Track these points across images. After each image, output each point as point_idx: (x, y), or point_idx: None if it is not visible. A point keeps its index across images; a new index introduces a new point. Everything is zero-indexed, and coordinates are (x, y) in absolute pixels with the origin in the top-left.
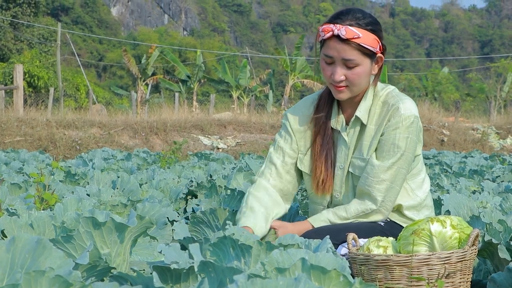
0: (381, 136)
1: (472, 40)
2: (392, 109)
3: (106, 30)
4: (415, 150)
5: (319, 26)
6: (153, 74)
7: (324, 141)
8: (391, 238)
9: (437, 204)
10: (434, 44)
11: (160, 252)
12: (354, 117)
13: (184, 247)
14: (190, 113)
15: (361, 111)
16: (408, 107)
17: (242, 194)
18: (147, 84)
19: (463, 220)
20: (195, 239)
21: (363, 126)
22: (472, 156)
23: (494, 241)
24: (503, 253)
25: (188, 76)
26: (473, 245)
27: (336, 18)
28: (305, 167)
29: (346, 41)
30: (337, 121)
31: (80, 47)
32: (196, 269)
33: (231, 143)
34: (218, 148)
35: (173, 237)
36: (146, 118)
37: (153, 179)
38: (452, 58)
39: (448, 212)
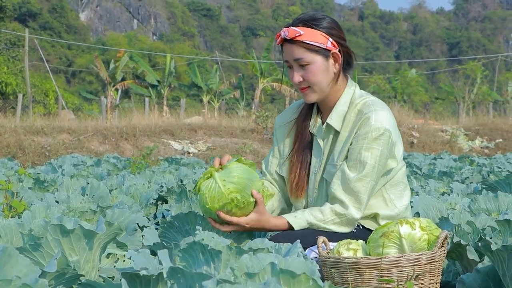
0: (350, 144)
1: (440, 43)
2: (363, 118)
3: (75, 36)
4: (385, 163)
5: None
6: (123, 79)
7: (301, 145)
8: (361, 241)
9: None
10: (403, 47)
11: (129, 258)
12: (325, 123)
13: (154, 253)
14: (160, 118)
15: (332, 118)
16: (380, 118)
17: None
18: (117, 90)
19: (432, 222)
20: (165, 244)
21: (336, 133)
22: (441, 158)
23: (462, 242)
24: (471, 254)
25: (158, 81)
26: (442, 246)
27: (288, 24)
28: (283, 171)
29: (290, 41)
30: (315, 125)
31: (48, 53)
32: (165, 275)
33: (202, 148)
34: (189, 153)
35: (143, 243)
36: (116, 123)
37: (123, 184)
38: (421, 61)
39: (417, 214)
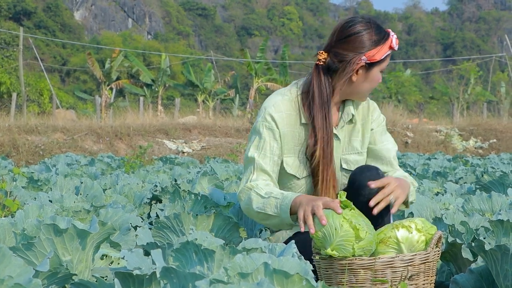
0: (371, 130)
1: (435, 43)
2: (371, 105)
3: (70, 34)
4: None
5: (386, 44)
6: (118, 78)
7: (327, 143)
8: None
9: None
10: (398, 47)
11: (123, 258)
12: (349, 115)
13: (147, 253)
14: (155, 117)
15: (353, 111)
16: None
17: (205, 198)
18: (111, 89)
19: (426, 221)
20: (159, 244)
21: (353, 124)
22: (435, 158)
23: (458, 241)
24: (466, 253)
25: (153, 80)
26: (436, 246)
27: (383, 30)
28: (294, 170)
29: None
30: (335, 121)
31: (43, 52)
32: (158, 275)
33: (196, 147)
34: (183, 152)
35: (136, 242)
36: (111, 122)
37: (117, 184)
38: (416, 61)
39: (411, 214)
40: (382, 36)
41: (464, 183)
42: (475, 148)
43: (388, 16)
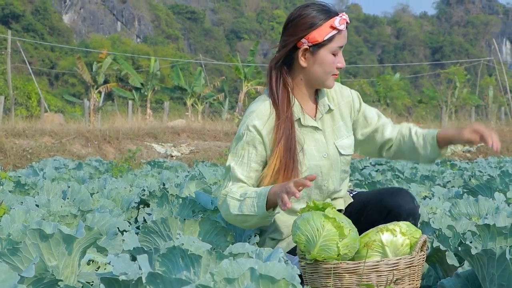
0: (358, 112)
1: (424, 47)
2: (340, 89)
3: (58, 38)
4: None
5: (327, 23)
6: (106, 82)
7: (290, 142)
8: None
9: None
10: (387, 51)
11: (109, 263)
12: (325, 106)
13: (135, 258)
14: (143, 121)
15: (326, 101)
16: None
17: (193, 202)
18: (100, 92)
19: (411, 224)
20: (145, 249)
21: (330, 111)
22: None
23: (442, 247)
24: (451, 260)
25: (142, 84)
26: (421, 250)
27: (331, 11)
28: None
29: (347, 26)
30: (304, 117)
31: (31, 55)
32: (144, 281)
33: (185, 151)
34: (172, 156)
35: (123, 247)
36: (99, 126)
37: (105, 188)
38: (404, 65)
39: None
40: (323, 17)
41: (452, 187)
42: (463, 151)
43: (377, 20)
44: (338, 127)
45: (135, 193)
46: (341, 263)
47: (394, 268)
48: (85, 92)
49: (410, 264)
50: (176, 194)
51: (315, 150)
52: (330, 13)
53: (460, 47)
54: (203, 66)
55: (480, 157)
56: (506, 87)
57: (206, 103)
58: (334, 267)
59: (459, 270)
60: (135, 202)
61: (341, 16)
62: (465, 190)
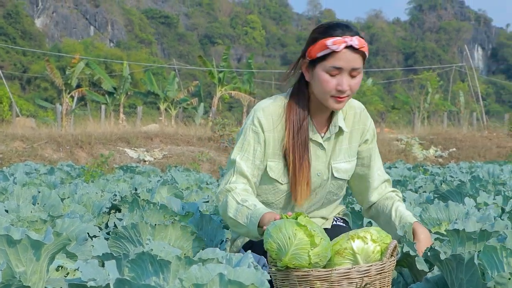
0: (364, 143)
1: (397, 52)
2: (361, 113)
3: (30, 42)
4: None
5: (321, 41)
6: (79, 86)
7: (301, 149)
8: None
9: (360, 216)
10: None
11: (78, 269)
12: (336, 128)
13: (104, 264)
14: (116, 125)
15: (341, 121)
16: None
17: (164, 208)
18: (72, 97)
19: (381, 231)
20: (115, 255)
21: (340, 133)
22: (396, 167)
23: (411, 252)
24: (421, 265)
25: (115, 88)
26: (391, 256)
27: (336, 31)
28: (277, 175)
29: (357, 50)
30: (313, 131)
31: (3, 59)
32: (112, 287)
33: (158, 156)
34: (145, 161)
35: (93, 253)
36: (71, 131)
37: (76, 193)
38: (377, 70)
39: (370, 224)
40: (322, 35)
41: (424, 192)
42: (435, 157)
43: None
44: (341, 149)
45: (106, 198)
46: (312, 270)
47: (365, 275)
48: (57, 97)
49: (381, 270)
50: (147, 199)
51: (313, 166)
52: (331, 32)
53: (433, 53)
54: (177, 70)
55: (452, 162)
56: (477, 93)
57: (180, 107)
58: (305, 275)
59: (429, 275)
60: (107, 208)
61: (343, 37)
62: (436, 195)
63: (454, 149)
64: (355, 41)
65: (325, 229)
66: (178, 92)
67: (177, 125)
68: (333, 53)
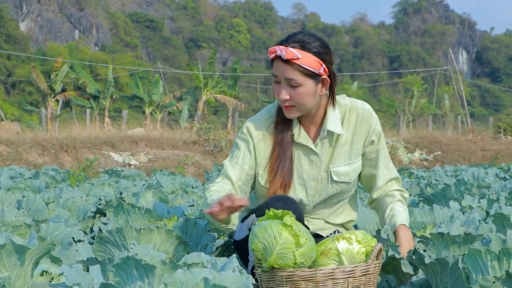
0: (370, 145)
1: (382, 56)
2: (366, 113)
3: (15, 46)
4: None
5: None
6: (64, 90)
7: (282, 154)
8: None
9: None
10: (345, 60)
11: (62, 274)
12: (324, 132)
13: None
14: (101, 129)
15: (331, 125)
16: (370, 107)
17: (149, 212)
18: (57, 101)
19: (367, 233)
20: (99, 259)
21: (336, 137)
22: None
23: (396, 256)
24: (406, 268)
25: (100, 92)
26: (376, 259)
27: (283, 40)
28: (265, 181)
29: (287, 61)
30: (300, 135)
31: None
32: None
33: (143, 160)
34: (130, 165)
35: (77, 258)
36: (56, 135)
37: (61, 197)
38: (362, 74)
39: (355, 227)
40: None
41: (410, 195)
42: (420, 160)
43: (335, 29)
44: (340, 152)
45: (91, 202)
46: (297, 270)
47: (350, 275)
48: (42, 101)
49: (366, 272)
50: (132, 204)
51: (307, 170)
52: (280, 40)
53: (418, 56)
54: (162, 74)
55: (437, 166)
56: (462, 96)
57: (165, 111)
58: (290, 275)
59: (414, 278)
60: (92, 212)
61: (275, 46)
62: (421, 199)
63: (439, 153)
64: (283, 52)
65: (316, 236)
66: (164, 96)
67: (163, 129)
68: (272, 61)
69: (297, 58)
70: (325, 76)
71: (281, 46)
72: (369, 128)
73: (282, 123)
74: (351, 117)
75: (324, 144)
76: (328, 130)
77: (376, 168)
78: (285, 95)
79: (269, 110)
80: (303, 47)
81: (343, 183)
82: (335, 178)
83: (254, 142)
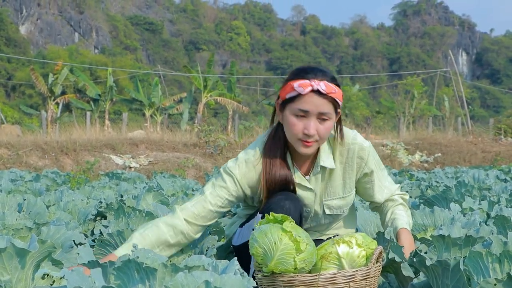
0: (363, 177)
1: (381, 58)
2: (358, 149)
3: (15, 49)
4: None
5: (290, 83)
6: (64, 93)
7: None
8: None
9: None
10: (345, 62)
11: (63, 277)
12: (317, 167)
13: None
14: (102, 132)
15: (325, 160)
16: (361, 139)
17: (150, 214)
18: (57, 104)
19: (367, 236)
20: (100, 262)
21: (328, 171)
22: None
23: (397, 258)
24: (406, 271)
25: (100, 95)
26: (377, 262)
27: (308, 74)
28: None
29: (325, 95)
30: (297, 174)
31: None
32: None
33: (144, 162)
34: (130, 167)
35: (78, 261)
36: (57, 138)
37: (61, 200)
38: (362, 76)
39: (356, 230)
40: (293, 76)
41: (409, 197)
42: (421, 162)
43: (335, 31)
44: (333, 186)
45: (92, 205)
46: (298, 275)
47: (351, 280)
48: (42, 104)
49: (367, 275)
50: (133, 206)
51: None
52: (302, 74)
53: (417, 58)
54: (162, 77)
55: (438, 167)
56: (462, 98)
57: (165, 114)
58: (291, 280)
59: (415, 281)
60: (92, 215)
61: (310, 81)
62: (421, 201)
63: (440, 154)
64: (322, 85)
65: (316, 240)
66: (163, 98)
67: (163, 131)
68: (299, 95)
69: (334, 92)
70: (339, 110)
71: (315, 81)
72: (361, 161)
73: (273, 165)
74: (342, 150)
75: (318, 179)
76: (321, 166)
77: (373, 193)
78: (314, 129)
79: (249, 160)
80: (334, 81)
81: (336, 215)
82: (327, 211)
83: (243, 189)
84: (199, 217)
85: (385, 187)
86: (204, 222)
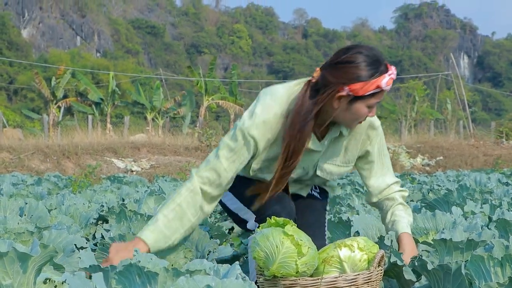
0: (365, 156)
1: None
2: (370, 122)
3: (17, 53)
4: None
5: (374, 82)
6: (66, 96)
7: (293, 157)
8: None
9: (347, 225)
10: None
11: (65, 282)
12: (336, 132)
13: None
14: (104, 135)
15: (343, 127)
16: (374, 117)
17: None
18: (59, 107)
19: (368, 240)
20: (102, 267)
21: (339, 137)
22: None
23: (399, 262)
24: (408, 275)
25: (102, 99)
26: (378, 266)
27: (381, 65)
28: (262, 173)
29: None
30: (314, 141)
31: None
32: None
33: (145, 166)
34: (132, 171)
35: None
36: (58, 141)
37: (63, 204)
38: None
39: (357, 233)
40: (372, 73)
41: (411, 200)
42: (422, 165)
43: (336, 34)
44: (334, 152)
45: (93, 209)
46: (299, 279)
47: (353, 283)
48: (44, 107)
49: (368, 279)
50: (134, 210)
51: (302, 160)
52: (379, 69)
53: (419, 61)
54: (164, 80)
55: (439, 171)
56: (464, 101)
57: (167, 117)
58: (292, 283)
59: (416, 285)
60: (94, 219)
61: (390, 75)
62: (423, 204)
63: (441, 158)
64: (395, 72)
65: (298, 197)
66: (165, 102)
67: (164, 135)
68: (382, 91)
69: None
70: None
71: (389, 70)
72: (367, 139)
73: (295, 144)
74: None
75: (326, 143)
76: (340, 131)
77: (370, 174)
78: (374, 113)
79: (276, 111)
80: None
81: (323, 179)
82: (318, 173)
83: (258, 146)
84: (214, 185)
85: (382, 175)
86: (219, 192)
